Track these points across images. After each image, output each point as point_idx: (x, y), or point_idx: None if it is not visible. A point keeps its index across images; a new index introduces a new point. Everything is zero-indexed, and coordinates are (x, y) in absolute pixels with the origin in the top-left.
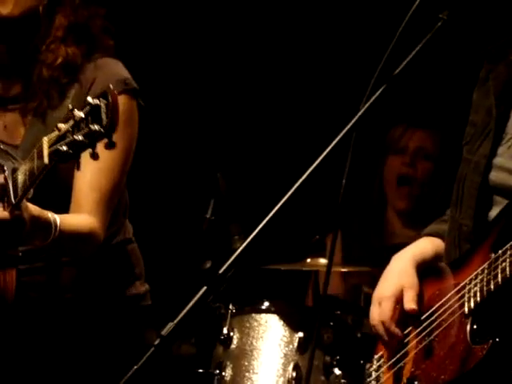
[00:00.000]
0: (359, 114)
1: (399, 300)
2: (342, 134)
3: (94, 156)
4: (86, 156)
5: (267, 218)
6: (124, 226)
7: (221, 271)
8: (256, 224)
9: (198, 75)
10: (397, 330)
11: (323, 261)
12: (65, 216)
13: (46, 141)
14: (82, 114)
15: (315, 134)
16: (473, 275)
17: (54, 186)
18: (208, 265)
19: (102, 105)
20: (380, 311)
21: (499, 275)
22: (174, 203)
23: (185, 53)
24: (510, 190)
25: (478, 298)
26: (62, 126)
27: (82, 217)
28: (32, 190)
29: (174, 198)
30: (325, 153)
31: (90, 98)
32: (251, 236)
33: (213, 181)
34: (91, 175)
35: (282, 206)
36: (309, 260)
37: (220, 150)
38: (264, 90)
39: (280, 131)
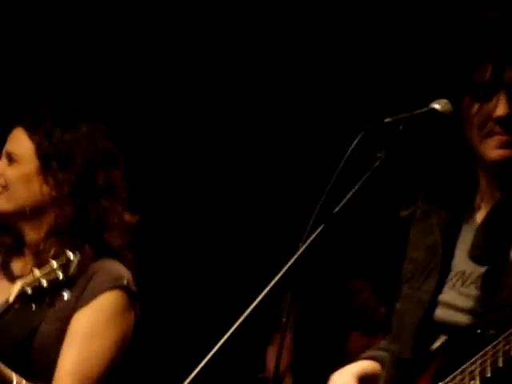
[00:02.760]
0: (299, 253)
1: None
2: (279, 276)
3: (49, 304)
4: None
5: (208, 356)
6: None
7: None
8: None
9: None
10: None
11: None
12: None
13: (21, 280)
14: (56, 264)
15: None
16: None
17: (35, 357)
18: None
19: (75, 259)
20: None
21: None
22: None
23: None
24: (455, 327)
25: None
26: (36, 271)
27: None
28: None
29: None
30: (263, 293)
31: (68, 252)
32: (191, 376)
33: None
34: (75, 360)
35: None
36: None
37: None
38: None
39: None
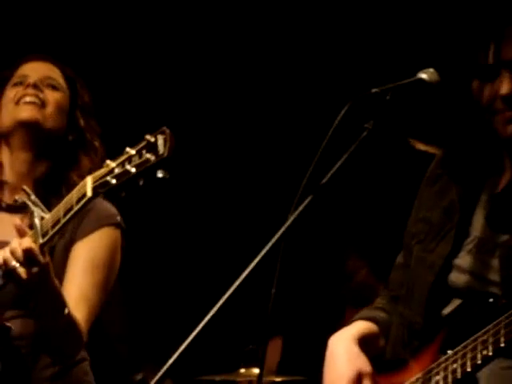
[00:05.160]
0: (287, 224)
1: None
2: (270, 244)
3: (143, 185)
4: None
5: (199, 327)
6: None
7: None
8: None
9: None
10: None
11: (257, 370)
12: None
13: (89, 176)
14: (133, 151)
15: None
16: (420, 374)
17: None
18: (139, 377)
19: (160, 140)
20: None
21: (449, 377)
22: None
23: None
24: (468, 293)
25: None
26: (110, 162)
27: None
28: None
29: None
30: (254, 263)
31: (147, 135)
32: (182, 347)
33: None
34: (82, 287)
35: (213, 315)
36: (242, 370)
37: None
38: None
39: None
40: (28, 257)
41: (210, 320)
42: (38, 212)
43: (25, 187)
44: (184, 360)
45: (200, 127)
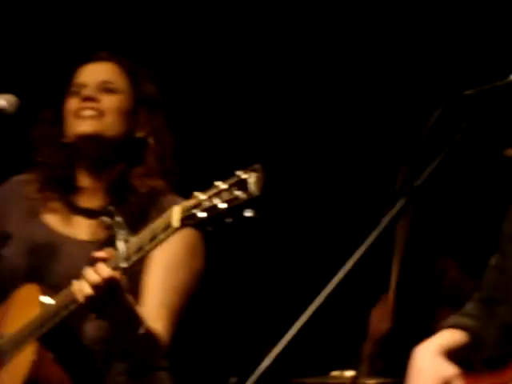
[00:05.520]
0: (381, 226)
1: None
2: (365, 248)
3: (230, 221)
4: (156, 271)
5: (293, 331)
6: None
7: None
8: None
9: None
10: None
11: (349, 373)
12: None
13: (179, 206)
14: (225, 185)
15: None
16: None
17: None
18: (233, 380)
19: (251, 178)
20: None
21: None
22: None
23: None
24: None
25: None
26: (199, 194)
27: (155, 326)
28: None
29: None
30: (348, 266)
31: (238, 172)
32: (277, 349)
33: None
34: (161, 292)
35: (307, 319)
36: (335, 373)
37: None
38: None
39: None
40: (110, 285)
41: (303, 324)
42: (122, 235)
43: (110, 207)
44: (276, 363)
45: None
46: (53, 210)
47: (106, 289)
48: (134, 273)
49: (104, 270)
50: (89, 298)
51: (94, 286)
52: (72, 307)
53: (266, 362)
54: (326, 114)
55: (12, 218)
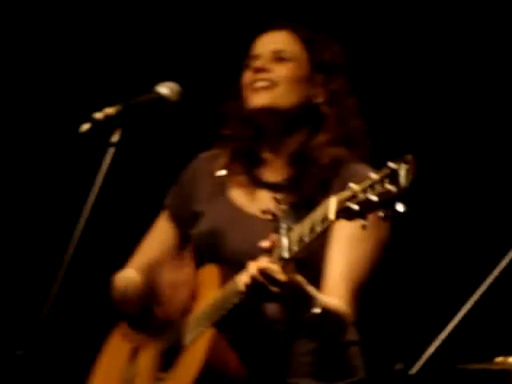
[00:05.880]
0: None
1: None
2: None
3: (383, 218)
4: (339, 243)
5: (458, 317)
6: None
7: (413, 372)
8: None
9: None
10: None
11: None
12: (325, 297)
13: (334, 198)
14: (377, 176)
15: None
16: None
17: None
18: (399, 366)
19: (402, 169)
20: None
21: None
22: None
23: None
24: None
25: None
26: (354, 186)
27: (337, 301)
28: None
29: None
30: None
31: (390, 163)
32: (441, 337)
33: None
34: (344, 265)
35: (472, 306)
36: (498, 359)
37: None
38: None
39: None
40: (267, 277)
41: (468, 311)
42: (286, 224)
43: (276, 196)
44: (441, 349)
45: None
46: (238, 185)
47: (264, 279)
48: (315, 247)
49: (261, 263)
50: (249, 287)
51: (252, 277)
52: (240, 295)
53: (431, 348)
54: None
55: (200, 197)
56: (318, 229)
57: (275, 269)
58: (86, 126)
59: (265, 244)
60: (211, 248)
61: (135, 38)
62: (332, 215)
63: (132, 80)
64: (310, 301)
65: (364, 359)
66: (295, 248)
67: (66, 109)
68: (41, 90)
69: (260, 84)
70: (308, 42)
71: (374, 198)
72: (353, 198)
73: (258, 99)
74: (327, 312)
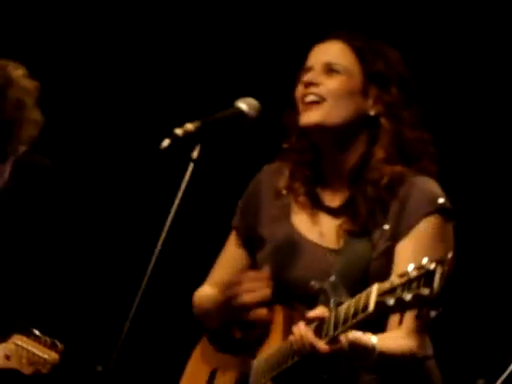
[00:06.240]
0: None
1: None
2: None
3: (417, 317)
4: None
5: None
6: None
7: None
8: None
9: None
10: None
11: None
12: (384, 336)
13: (376, 288)
14: (415, 274)
15: None
16: None
17: None
18: (481, 382)
19: (438, 271)
20: None
21: None
22: None
23: None
24: None
25: None
26: (395, 279)
27: (400, 338)
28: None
29: None
30: None
31: (427, 262)
32: None
33: None
34: None
35: None
36: None
37: None
38: None
39: None
40: (310, 347)
41: None
42: (335, 300)
43: (332, 279)
44: None
45: None
46: (300, 207)
47: (310, 351)
48: (379, 268)
49: (307, 338)
50: (299, 355)
51: (298, 349)
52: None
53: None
54: None
55: (264, 219)
56: (360, 316)
57: (315, 341)
58: (166, 142)
59: (312, 315)
60: (274, 273)
61: (215, 55)
62: (372, 306)
63: (209, 95)
64: (364, 352)
65: (441, 375)
66: (340, 328)
67: (147, 125)
68: (124, 106)
69: (309, 98)
70: (361, 52)
71: (408, 298)
72: (391, 291)
73: (308, 117)
74: (387, 354)
